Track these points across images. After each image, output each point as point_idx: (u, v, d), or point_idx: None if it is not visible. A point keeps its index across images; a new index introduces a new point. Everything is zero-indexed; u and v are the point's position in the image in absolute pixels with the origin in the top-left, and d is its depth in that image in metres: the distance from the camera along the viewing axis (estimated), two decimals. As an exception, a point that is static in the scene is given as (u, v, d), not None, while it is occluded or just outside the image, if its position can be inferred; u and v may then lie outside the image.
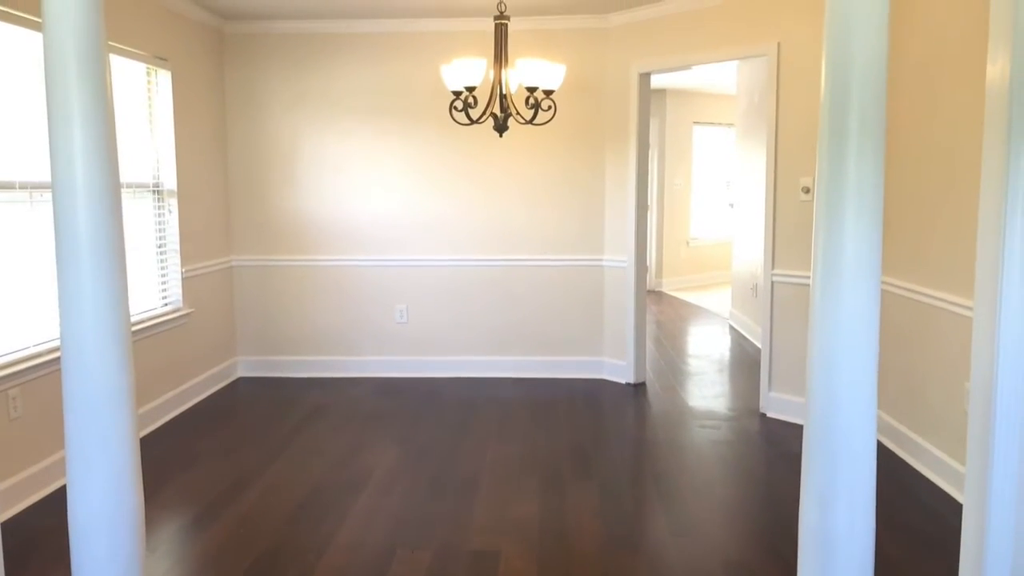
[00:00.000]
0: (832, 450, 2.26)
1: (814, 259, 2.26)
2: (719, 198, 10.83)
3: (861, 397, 2.27)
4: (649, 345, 6.77)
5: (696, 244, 10.57)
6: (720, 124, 10.61)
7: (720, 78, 8.63)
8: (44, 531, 3.33)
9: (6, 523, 3.40)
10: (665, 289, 10.14)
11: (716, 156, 10.80)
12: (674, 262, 10.29)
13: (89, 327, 2.42)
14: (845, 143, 2.20)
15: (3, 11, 3.43)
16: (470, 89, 3.68)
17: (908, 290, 4.01)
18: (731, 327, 7.75)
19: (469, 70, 3.63)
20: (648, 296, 7.96)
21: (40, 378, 3.68)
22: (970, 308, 3.32)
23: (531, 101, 3.78)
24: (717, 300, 9.25)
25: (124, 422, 2.51)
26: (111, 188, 2.47)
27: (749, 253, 7.22)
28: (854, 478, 2.25)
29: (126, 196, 4.47)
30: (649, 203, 6.45)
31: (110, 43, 3.74)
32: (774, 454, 4.22)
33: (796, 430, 4.52)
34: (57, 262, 2.45)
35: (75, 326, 2.43)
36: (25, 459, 3.61)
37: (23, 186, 3.66)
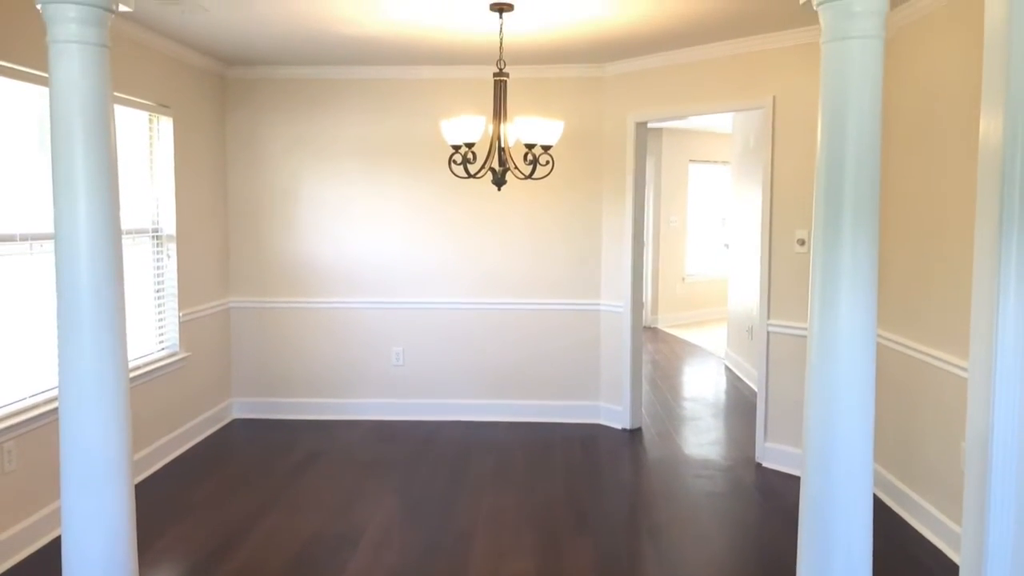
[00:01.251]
0: (829, 510, 2.27)
1: (810, 323, 2.29)
2: (715, 235, 10.90)
3: (857, 461, 2.28)
4: (645, 386, 6.77)
5: (692, 280, 10.61)
6: (716, 162, 10.70)
7: (716, 118, 8.73)
8: (36, 588, 3.30)
9: (-2, 579, 3.38)
10: (661, 326, 10.16)
11: (712, 193, 10.88)
12: (670, 298, 10.33)
13: (89, 398, 2.43)
14: (840, 214, 2.24)
15: (3, 66, 3.46)
16: (469, 145, 3.72)
17: (904, 346, 4.03)
18: (726, 367, 7.76)
19: (469, 127, 3.67)
20: (644, 333, 7.97)
21: (35, 430, 3.66)
22: (965, 368, 3.33)
23: (529, 157, 3.83)
24: (712, 338, 9.27)
25: (120, 489, 2.51)
26: (113, 252, 2.50)
27: (744, 294, 7.26)
28: (850, 538, 2.26)
29: (125, 242, 4.48)
30: (645, 239, 6.48)
31: (114, 93, 3.76)
32: (770, 508, 4.21)
33: (791, 481, 4.52)
34: (58, 326, 2.46)
35: (74, 394, 2.43)
36: (19, 512, 3.59)
37: (24, 238, 3.68)
